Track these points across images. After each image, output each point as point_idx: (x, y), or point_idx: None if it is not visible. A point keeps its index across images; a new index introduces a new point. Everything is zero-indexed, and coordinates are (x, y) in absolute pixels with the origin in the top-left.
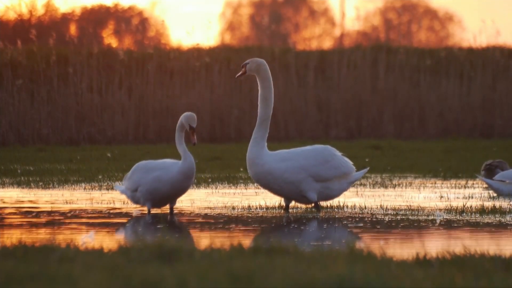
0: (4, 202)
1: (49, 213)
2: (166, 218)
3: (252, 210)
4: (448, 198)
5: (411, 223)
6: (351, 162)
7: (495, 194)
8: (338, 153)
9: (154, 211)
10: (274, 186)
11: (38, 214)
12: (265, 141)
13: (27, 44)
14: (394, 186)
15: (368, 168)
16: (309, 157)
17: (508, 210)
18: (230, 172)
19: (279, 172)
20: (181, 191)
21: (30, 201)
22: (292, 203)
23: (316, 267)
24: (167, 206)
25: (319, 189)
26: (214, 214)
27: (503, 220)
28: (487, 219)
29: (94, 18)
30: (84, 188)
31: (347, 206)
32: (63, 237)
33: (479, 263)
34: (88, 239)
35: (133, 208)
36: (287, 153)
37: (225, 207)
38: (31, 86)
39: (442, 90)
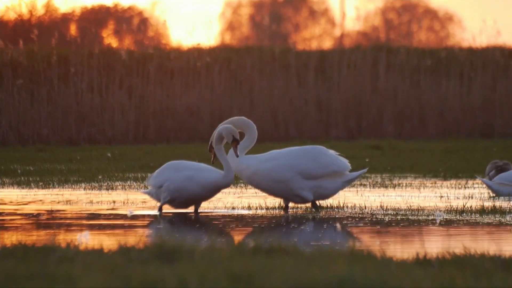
0: (4, 204)
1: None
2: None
3: (252, 210)
4: (448, 198)
5: (411, 223)
6: (346, 161)
7: (495, 195)
8: (331, 152)
9: (165, 209)
10: (265, 186)
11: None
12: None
13: (27, 44)
14: (394, 186)
15: (367, 169)
16: (296, 155)
17: (508, 210)
18: None
19: (266, 172)
20: (207, 197)
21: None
22: (292, 204)
23: (316, 267)
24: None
25: (313, 188)
26: (214, 214)
27: (503, 220)
28: (487, 219)
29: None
30: (84, 188)
31: (347, 206)
32: (63, 237)
33: (479, 263)
34: (83, 239)
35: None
36: (275, 153)
37: (225, 207)
38: (31, 86)
39: (442, 90)
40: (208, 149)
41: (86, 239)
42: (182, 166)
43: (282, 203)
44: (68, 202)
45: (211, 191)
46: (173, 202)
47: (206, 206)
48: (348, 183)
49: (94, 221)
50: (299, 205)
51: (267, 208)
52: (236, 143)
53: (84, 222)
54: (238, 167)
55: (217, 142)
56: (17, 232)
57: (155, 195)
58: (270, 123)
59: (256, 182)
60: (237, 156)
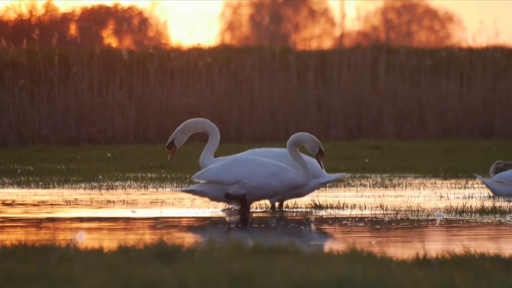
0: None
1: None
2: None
3: (252, 210)
4: (448, 198)
5: (411, 223)
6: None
7: (493, 195)
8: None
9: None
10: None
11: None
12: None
13: (27, 44)
14: (394, 186)
15: (343, 174)
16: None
17: (508, 210)
18: None
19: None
20: (277, 196)
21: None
22: (285, 203)
23: (316, 267)
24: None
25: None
26: (214, 215)
27: (503, 220)
28: (487, 219)
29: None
30: (84, 188)
31: (347, 206)
32: (63, 237)
33: (479, 263)
34: (78, 239)
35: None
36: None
37: (226, 207)
38: (32, 86)
39: (442, 90)
40: (167, 146)
41: (81, 239)
42: (261, 162)
43: (269, 203)
44: (68, 202)
45: (287, 190)
46: (254, 197)
47: (206, 206)
48: (324, 184)
49: (94, 222)
50: (300, 206)
51: (267, 208)
52: (321, 155)
53: (84, 222)
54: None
55: (293, 146)
56: (16, 232)
57: (211, 192)
58: (270, 123)
59: None
60: (322, 168)
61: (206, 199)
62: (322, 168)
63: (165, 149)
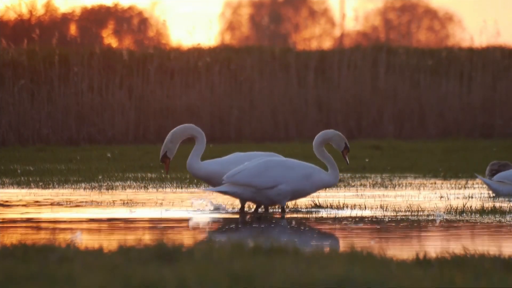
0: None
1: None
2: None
3: (251, 210)
4: (448, 198)
5: (411, 223)
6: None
7: (494, 194)
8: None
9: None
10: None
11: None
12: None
13: (27, 44)
14: (394, 186)
15: None
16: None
17: (508, 210)
18: None
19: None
20: (309, 194)
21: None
22: (293, 203)
23: (316, 267)
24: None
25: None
26: (214, 215)
27: (503, 220)
28: (487, 219)
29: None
30: (84, 188)
31: (347, 206)
32: (62, 237)
33: (479, 263)
34: (75, 239)
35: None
36: (238, 156)
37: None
38: (32, 86)
39: (442, 90)
40: (161, 159)
41: (79, 239)
42: (294, 164)
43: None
44: (68, 202)
45: (317, 190)
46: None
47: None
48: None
49: (94, 222)
50: (300, 206)
51: (266, 208)
52: (347, 151)
53: (84, 222)
54: (202, 171)
55: (321, 145)
56: (16, 232)
57: (245, 194)
58: (270, 123)
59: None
60: (347, 163)
61: (237, 199)
62: (347, 163)
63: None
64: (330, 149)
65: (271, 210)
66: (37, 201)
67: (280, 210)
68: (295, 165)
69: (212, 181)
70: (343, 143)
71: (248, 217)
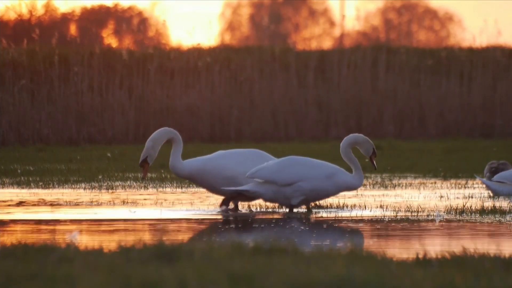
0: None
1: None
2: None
3: (252, 210)
4: (448, 198)
5: (411, 223)
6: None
7: (494, 195)
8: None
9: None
10: (213, 183)
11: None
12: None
13: (27, 44)
14: (394, 186)
15: None
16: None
17: (508, 210)
18: None
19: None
20: (330, 196)
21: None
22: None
23: (316, 267)
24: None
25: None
26: (213, 215)
27: (503, 220)
28: (487, 219)
29: (94, 18)
30: (84, 188)
31: (347, 206)
32: (62, 237)
33: (479, 263)
34: (72, 239)
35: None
36: (221, 153)
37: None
38: (32, 86)
39: (442, 90)
40: (140, 164)
41: (75, 239)
42: (317, 163)
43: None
44: (68, 202)
45: (339, 192)
46: (306, 200)
47: (206, 206)
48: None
49: (93, 222)
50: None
51: (266, 208)
52: (374, 156)
53: (84, 222)
54: (185, 170)
55: (348, 147)
56: (16, 232)
57: (266, 194)
58: (270, 123)
59: (207, 181)
60: (375, 168)
61: (260, 199)
62: (375, 168)
63: (165, 149)
64: (331, 149)
65: (281, 210)
66: (36, 201)
67: (288, 210)
68: (318, 164)
69: (196, 179)
70: (371, 148)
71: (248, 217)
